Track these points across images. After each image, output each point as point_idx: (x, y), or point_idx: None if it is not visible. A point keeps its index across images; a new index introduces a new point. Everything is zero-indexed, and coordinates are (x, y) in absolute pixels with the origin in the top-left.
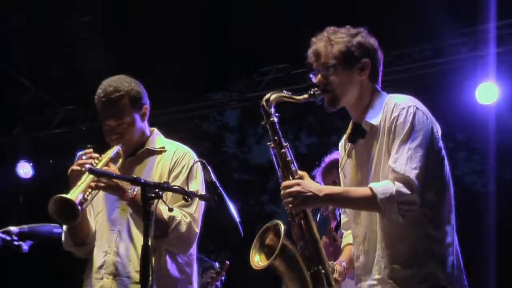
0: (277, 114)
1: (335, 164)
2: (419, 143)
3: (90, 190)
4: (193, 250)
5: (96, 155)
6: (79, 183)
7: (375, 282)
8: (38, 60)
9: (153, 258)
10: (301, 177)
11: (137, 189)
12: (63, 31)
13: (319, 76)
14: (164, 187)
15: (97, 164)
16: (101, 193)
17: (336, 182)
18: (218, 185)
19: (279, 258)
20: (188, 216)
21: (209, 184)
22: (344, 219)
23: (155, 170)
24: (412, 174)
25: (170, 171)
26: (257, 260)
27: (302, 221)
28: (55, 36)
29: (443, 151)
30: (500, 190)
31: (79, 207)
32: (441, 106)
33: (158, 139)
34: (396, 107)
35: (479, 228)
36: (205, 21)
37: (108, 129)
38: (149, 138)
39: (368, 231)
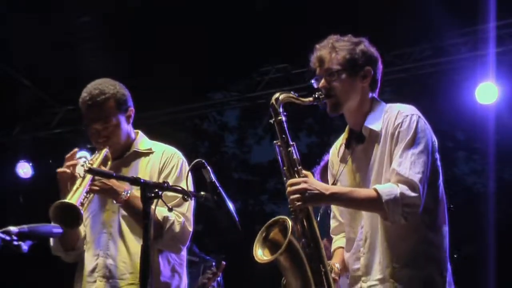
0: (285, 113)
1: None
2: (422, 150)
3: (85, 194)
4: (184, 251)
5: (81, 161)
6: (75, 187)
7: (376, 282)
8: (38, 60)
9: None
10: (306, 176)
11: (130, 192)
12: (63, 31)
13: (323, 81)
14: (164, 187)
15: (91, 165)
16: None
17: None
18: (218, 185)
19: (284, 254)
20: (181, 216)
21: (208, 184)
22: (333, 224)
23: (144, 172)
24: (416, 177)
25: (160, 172)
26: (260, 254)
27: (304, 219)
28: (55, 36)
29: (439, 163)
30: (499, 189)
31: (82, 212)
32: (441, 106)
33: (143, 141)
34: (399, 114)
35: (479, 228)
36: (205, 21)
37: (94, 132)
38: (134, 141)
39: (369, 233)
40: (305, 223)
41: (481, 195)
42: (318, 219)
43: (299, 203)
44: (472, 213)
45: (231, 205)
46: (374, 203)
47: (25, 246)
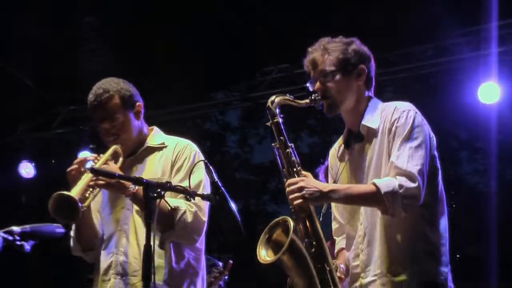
0: (282, 115)
1: None
2: (419, 144)
3: (90, 189)
4: (201, 245)
5: (94, 155)
6: (78, 182)
7: (374, 277)
8: (40, 61)
9: (162, 259)
10: (305, 176)
11: None
12: (66, 31)
13: (318, 83)
14: (166, 186)
15: (95, 163)
16: (105, 194)
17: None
18: (220, 184)
19: (287, 253)
20: (193, 205)
21: (211, 183)
22: (334, 226)
23: (157, 167)
24: (414, 169)
25: (172, 165)
26: (264, 255)
27: (306, 219)
28: (57, 36)
29: (438, 161)
30: (502, 189)
31: (79, 204)
32: (443, 106)
33: (157, 136)
34: (396, 110)
35: (481, 228)
36: (206, 21)
37: (104, 132)
38: (148, 136)
39: (368, 229)
40: (307, 223)
41: (484, 195)
42: (321, 219)
43: (298, 201)
44: (474, 213)
45: (233, 205)
46: (373, 197)
47: (27, 246)
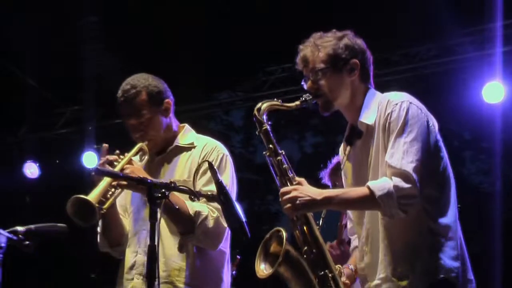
0: (269, 122)
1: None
2: (414, 137)
3: (112, 189)
4: (225, 247)
5: (114, 157)
6: (100, 182)
7: (379, 281)
8: (45, 61)
9: (184, 262)
10: (299, 183)
11: None
12: (70, 31)
13: (310, 81)
14: (171, 187)
15: (118, 163)
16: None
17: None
18: (224, 184)
19: (283, 265)
20: (215, 210)
21: (215, 183)
22: (349, 224)
23: (184, 167)
24: (409, 167)
25: (199, 167)
26: (263, 268)
27: (304, 226)
28: (61, 36)
29: (441, 145)
30: (506, 189)
31: (96, 206)
32: (447, 105)
33: (187, 135)
34: (389, 104)
35: (486, 227)
36: (210, 21)
37: (131, 128)
38: (178, 134)
39: (370, 231)
40: (305, 230)
41: (488, 195)
42: (321, 223)
43: (292, 211)
44: (478, 212)
45: (237, 205)
46: (369, 201)
47: (32, 246)
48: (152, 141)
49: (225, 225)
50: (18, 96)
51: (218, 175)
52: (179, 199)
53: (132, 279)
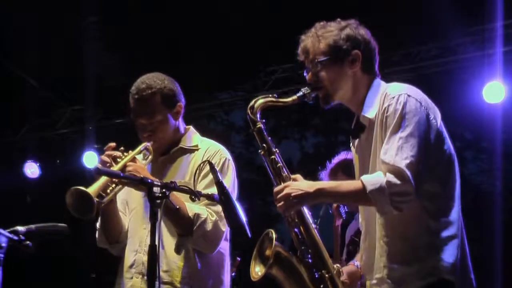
0: (263, 120)
1: (341, 166)
2: (411, 132)
3: (113, 185)
4: (225, 249)
5: (118, 153)
6: (101, 177)
7: (375, 281)
8: (45, 61)
9: (182, 262)
10: (294, 180)
11: None
12: (71, 31)
13: (309, 73)
14: (171, 187)
15: (121, 160)
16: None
17: None
18: (225, 185)
19: (275, 267)
20: (214, 214)
21: (215, 184)
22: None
23: (187, 169)
24: (403, 163)
25: (201, 170)
26: (257, 270)
27: (300, 226)
28: (62, 36)
29: (445, 137)
30: (507, 189)
31: (94, 199)
32: (448, 105)
33: (192, 137)
34: (387, 97)
35: (486, 227)
36: (211, 21)
37: (140, 127)
38: (183, 136)
39: (367, 228)
40: (302, 230)
41: (489, 195)
42: (318, 221)
43: (286, 210)
44: (479, 212)
45: (238, 205)
46: (360, 195)
47: (32, 246)
48: (157, 142)
49: (223, 228)
50: (19, 96)
51: (219, 175)
52: (179, 200)
53: (132, 278)
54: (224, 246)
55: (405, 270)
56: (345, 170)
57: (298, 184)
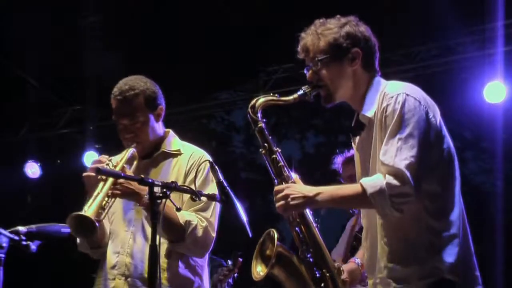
0: (264, 120)
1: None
2: (410, 132)
3: (107, 198)
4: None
5: (106, 158)
6: (95, 193)
7: (377, 280)
8: (46, 60)
9: (166, 261)
10: (294, 182)
11: None
12: (71, 31)
13: (310, 71)
14: (172, 187)
15: (114, 167)
16: None
17: (353, 176)
18: (226, 184)
19: (277, 267)
20: (204, 220)
21: (216, 184)
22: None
23: (171, 173)
24: (402, 164)
25: (186, 175)
26: (259, 270)
27: (301, 226)
28: (62, 36)
29: (445, 135)
30: (508, 189)
31: (97, 223)
32: (448, 105)
33: (173, 141)
34: (385, 97)
35: (487, 228)
36: (211, 20)
37: (122, 128)
38: (164, 140)
39: (369, 228)
40: (303, 229)
41: (489, 194)
42: (319, 220)
43: (285, 210)
44: (480, 212)
45: (239, 205)
46: (361, 198)
47: (33, 246)
48: (140, 145)
49: (213, 234)
50: (19, 96)
51: (220, 175)
52: (170, 209)
53: (114, 279)
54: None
55: (406, 270)
56: None
57: (299, 187)
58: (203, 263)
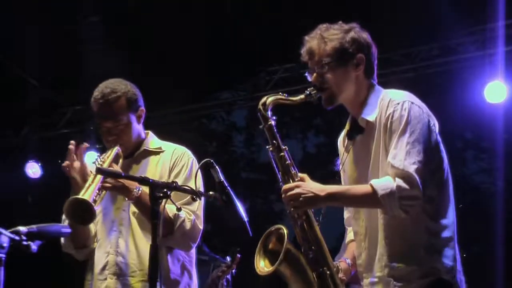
0: (274, 118)
1: None
2: (416, 138)
3: (97, 191)
4: (193, 248)
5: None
6: (87, 184)
7: (376, 279)
8: (46, 60)
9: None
10: (301, 180)
11: (142, 188)
12: (71, 31)
13: (315, 74)
14: (172, 186)
15: (101, 165)
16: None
17: None
18: (226, 184)
19: (284, 263)
20: (191, 213)
21: (217, 183)
22: (346, 214)
23: (154, 170)
24: (412, 168)
25: (170, 171)
26: (262, 265)
27: (304, 223)
28: (63, 36)
29: (441, 145)
30: (508, 189)
31: (94, 207)
32: (449, 105)
33: (153, 141)
34: (391, 103)
35: (488, 227)
36: (212, 20)
37: (105, 131)
38: (145, 140)
39: (369, 228)
40: (305, 227)
41: (490, 194)
42: (321, 219)
43: (295, 208)
44: (480, 212)
45: (239, 205)
46: (371, 199)
47: (34, 246)
48: (123, 146)
49: (201, 227)
50: (20, 96)
51: (220, 175)
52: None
53: (105, 279)
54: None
55: (406, 269)
56: None
57: (310, 186)
58: (191, 258)
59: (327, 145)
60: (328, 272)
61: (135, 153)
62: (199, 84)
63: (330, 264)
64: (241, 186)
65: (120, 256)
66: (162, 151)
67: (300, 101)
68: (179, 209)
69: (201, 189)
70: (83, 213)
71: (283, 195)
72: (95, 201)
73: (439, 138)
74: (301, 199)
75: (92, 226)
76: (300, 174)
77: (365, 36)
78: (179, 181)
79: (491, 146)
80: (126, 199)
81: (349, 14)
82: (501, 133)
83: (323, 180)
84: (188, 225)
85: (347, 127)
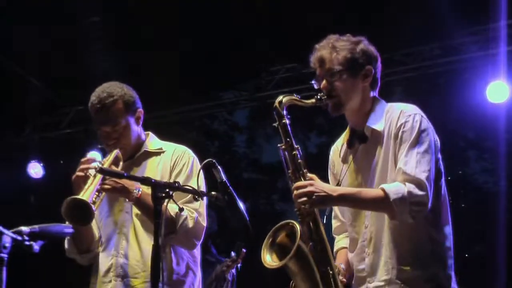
0: (289, 116)
1: None
2: (426, 149)
3: (96, 192)
4: (198, 249)
5: (94, 165)
6: (86, 186)
7: (382, 283)
8: (48, 61)
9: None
10: (312, 179)
11: (141, 189)
12: (73, 31)
13: (324, 82)
14: (174, 186)
15: (101, 166)
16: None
17: None
18: (228, 184)
19: (293, 259)
20: (193, 211)
21: (219, 183)
22: (335, 224)
23: (155, 172)
24: (423, 176)
25: (171, 170)
26: (269, 259)
27: (311, 222)
28: (65, 36)
29: (441, 163)
30: (511, 188)
31: (93, 208)
32: (451, 105)
33: (154, 142)
34: (402, 114)
35: (490, 227)
36: (214, 20)
37: (105, 135)
38: (145, 141)
39: (374, 233)
40: (312, 226)
41: (492, 194)
42: (325, 221)
43: (307, 206)
44: (482, 212)
45: (241, 205)
46: (382, 203)
47: (36, 246)
48: (123, 149)
49: (204, 224)
50: (22, 96)
51: (222, 175)
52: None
53: (110, 281)
54: (198, 246)
55: (414, 273)
56: None
57: (322, 185)
58: (195, 258)
59: (329, 145)
60: (331, 272)
61: (136, 155)
62: (201, 84)
63: (333, 265)
64: (243, 186)
65: (123, 257)
66: (163, 152)
67: (311, 104)
68: (181, 210)
69: (203, 188)
70: (82, 213)
71: (295, 191)
72: (94, 202)
73: (440, 156)
74: (314, 197)
75: (96, 230)
76: (310, 174)
77: (373, 49)
78: (180, 180)
79: (493, 146)
80: (127, 200)
81: (350, 14)
82: (503, 132)
83: (324, 180)
84: (190, 223)
85: (345, 136)
